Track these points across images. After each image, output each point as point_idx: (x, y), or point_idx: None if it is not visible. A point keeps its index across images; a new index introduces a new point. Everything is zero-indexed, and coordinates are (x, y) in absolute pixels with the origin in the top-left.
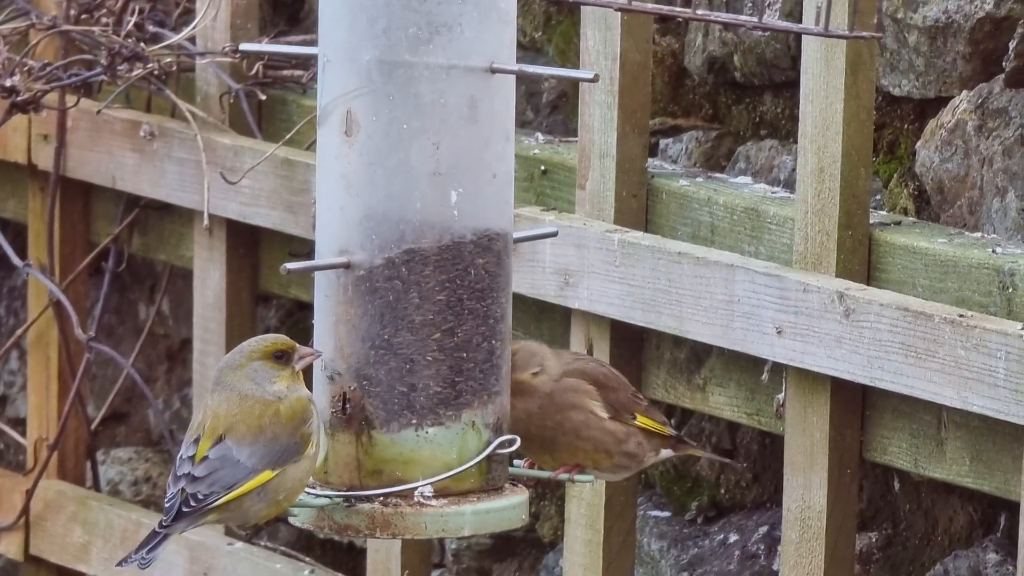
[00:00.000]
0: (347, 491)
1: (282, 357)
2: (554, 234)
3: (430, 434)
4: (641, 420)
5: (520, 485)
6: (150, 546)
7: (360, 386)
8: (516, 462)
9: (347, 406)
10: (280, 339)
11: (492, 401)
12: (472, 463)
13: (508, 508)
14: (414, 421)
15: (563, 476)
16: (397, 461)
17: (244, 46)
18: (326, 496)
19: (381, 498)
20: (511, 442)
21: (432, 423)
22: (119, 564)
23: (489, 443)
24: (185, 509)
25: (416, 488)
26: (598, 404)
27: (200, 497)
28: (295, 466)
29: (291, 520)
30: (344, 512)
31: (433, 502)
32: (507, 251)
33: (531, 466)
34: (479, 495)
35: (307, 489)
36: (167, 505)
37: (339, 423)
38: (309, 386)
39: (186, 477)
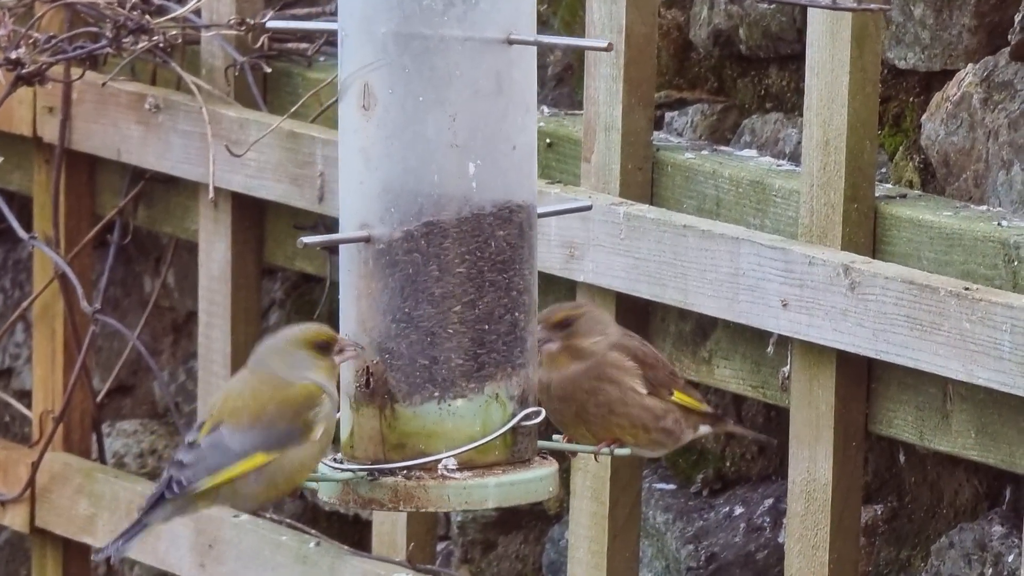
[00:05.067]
0: (371, 465)
1: (324, 347)
2: (588, 208)
3: (453, 407)
4: (679, 397)
5: (550, 457)
6: (127, 537)
7: (382, 360)
8: (555, 436)
9: (370, 380)
10: (323, 330)
11: (517, 373)
12: (495, 435)
13: (534, 480)
14: (436, 394)
15: (604, 450)
16: (420, 434)
17: (271, 23)
18: (349, 470)
19: (404, 471)
20: (536, 414)
21: (455, 396)
22: (97, 555)
23: (514, 415)
24: (167, 495)
25: (439, 461)
26: (638, 381)
27: (184, 484)
28: (297, 450)
29: (320, 496)
30: (368, 486)
31: (457, 475)
32: (530, 223)
33: (570, 440)
34: (504, 467)
35: (331, 464)
36: (151, 493)
37: (363, 397)
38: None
39: (176, 464)
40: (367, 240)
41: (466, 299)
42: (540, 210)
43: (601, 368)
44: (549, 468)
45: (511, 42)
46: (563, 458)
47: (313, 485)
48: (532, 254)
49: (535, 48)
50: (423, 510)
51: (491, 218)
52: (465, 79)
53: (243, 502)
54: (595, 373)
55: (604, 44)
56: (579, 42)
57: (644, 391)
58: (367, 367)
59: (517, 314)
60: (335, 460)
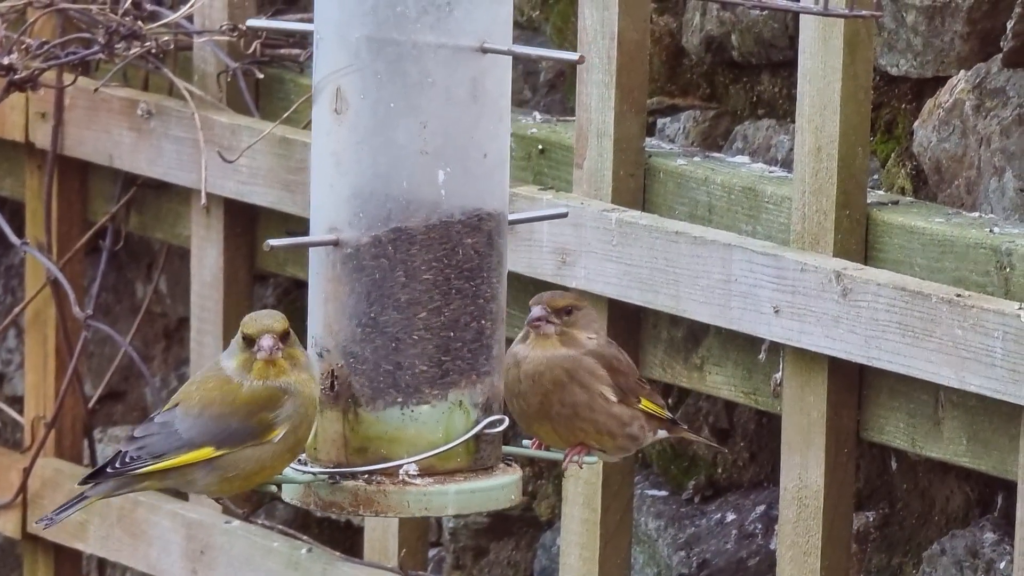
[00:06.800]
0: (333, 468)
1: (247, 340)
2: (564, 215)
3: (416, 413)
4: (645, 404)
5: (514, 464)
6: (64, 508)
7: (347, 363)
8: (524, 442)
9: (334, 383)
10: (257, 323)
11: (481, 381)
12: (457, 442)
13: (495, 488)
14: (399, 399)
15: (574, 458)
16: (382, 439)
17: (251, 22)
18: (311, 473)
19: (365, 476)
20: (500, 422)
21: (418, 402)
22: (37, 522)
23: (477, 422)
24: (109, 470)
25: (400, 466)
26: (608, 388)
27: (127, 460)
28: (255, 449)
29: (284, 496)
30: (329, 489)
31: (417, 481)
32: (499, 231)
33: (539, 446)
34: (466, 474)
35: (295, 466)
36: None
37: (327, 400)
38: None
39: (129, 438)
40: (335, 244)
41: (432, 306)
42: (513, 217)
43: (575, 366)
44: (512, 476)
45: (485, 51)
46: (529, 463)
47: (274, 488)
48: (501, 262)
49: (509, 57)
50: (382, 515)
51: (459, 225)
52: (438, 86)
53: (195, 490)
54: (568, 367)
55: (576, 57)
56: (552, 53)
57: (614, 399)
58: (332, 370)
59: (483, 322)
60: (299, 461)
